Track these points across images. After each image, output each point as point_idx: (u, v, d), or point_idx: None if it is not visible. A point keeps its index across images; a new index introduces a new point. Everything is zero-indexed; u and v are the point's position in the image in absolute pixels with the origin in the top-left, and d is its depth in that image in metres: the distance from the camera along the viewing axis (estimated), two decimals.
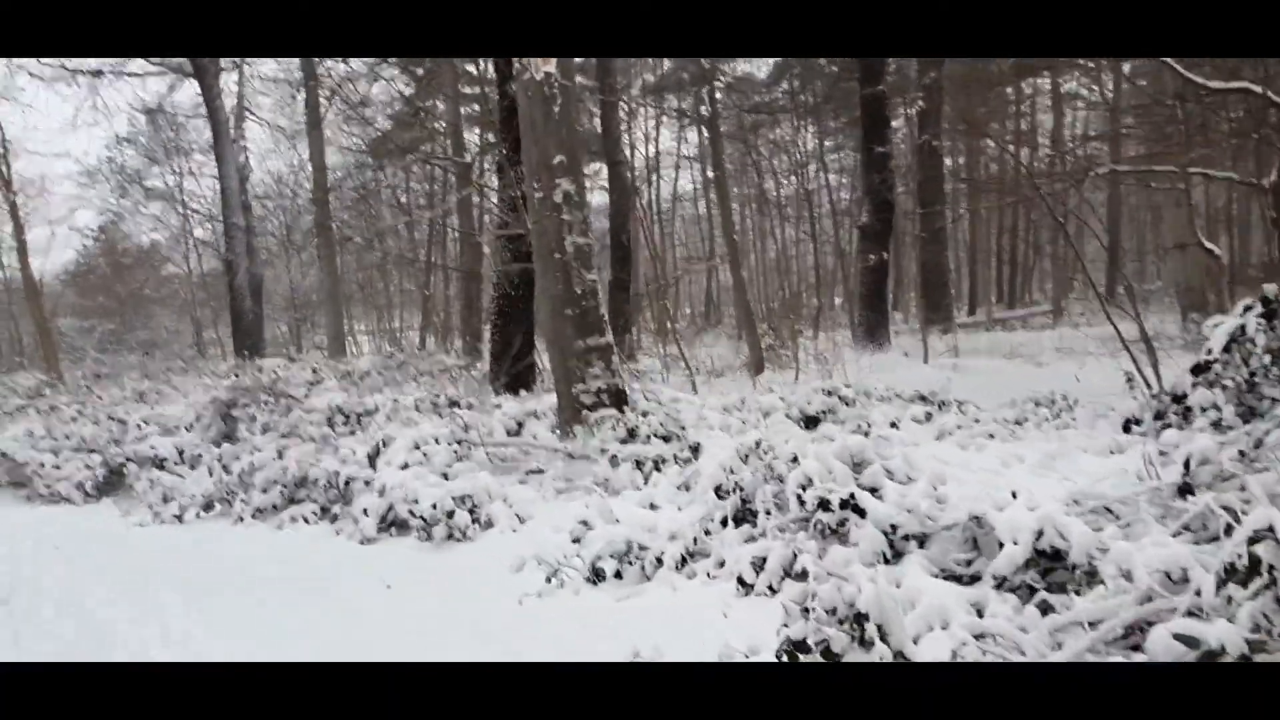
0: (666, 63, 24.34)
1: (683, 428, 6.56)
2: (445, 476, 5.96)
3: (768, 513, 3.79)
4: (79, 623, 4.42)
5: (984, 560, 3.03)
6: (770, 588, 3.39)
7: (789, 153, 27.95)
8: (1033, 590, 2.80)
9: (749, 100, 24.32)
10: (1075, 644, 2.38)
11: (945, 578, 3.08)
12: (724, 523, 4.02)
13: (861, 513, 3.30)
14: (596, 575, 4.10)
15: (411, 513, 5.33)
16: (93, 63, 19.25)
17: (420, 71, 19.33)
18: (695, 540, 4.00)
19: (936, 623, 2.76)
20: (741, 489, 4.03)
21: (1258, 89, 6.51)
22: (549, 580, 4.14)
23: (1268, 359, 4.21)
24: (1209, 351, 4.44)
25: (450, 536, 5.17)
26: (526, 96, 6.72)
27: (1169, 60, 6.52)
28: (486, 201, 20.08)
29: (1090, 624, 2.46)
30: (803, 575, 3.11)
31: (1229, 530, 2.49)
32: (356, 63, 17.42)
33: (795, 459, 3.75)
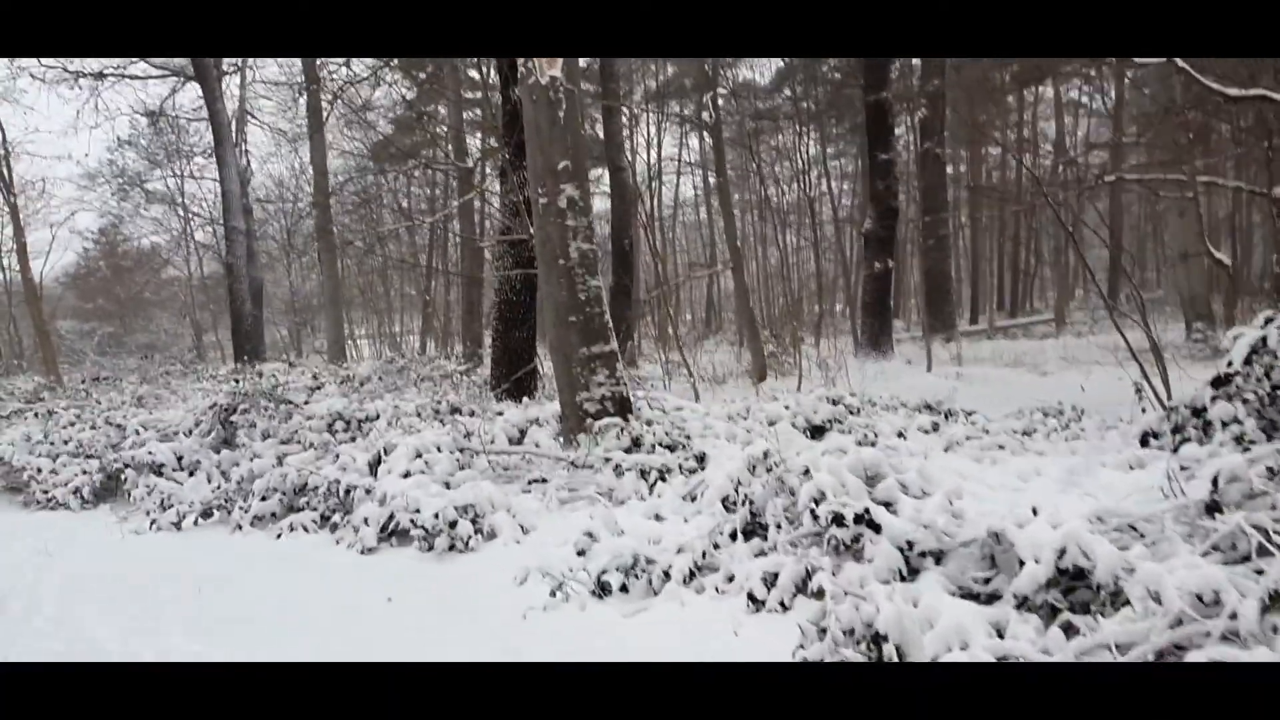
0: (669, 69, 24.37)
1: (688, 437, 6.48)
2: (447, 485, 5.88)
3: (778, 526, 3.70)
4: (72, 632, 4.33)
5: (1003, 578, 2.95)
6: (782, 604, 3.31)
7: (791, 159, 27.95)
8: (1055, 610, 2.72)
9: (751, 107, 24.31)
10: None
11: (963, 596, 2.99)
12: (733, 536, 3.93)
13: (876, 528, 3.22)
14: (602, 589, 4.02)
15: (413, 522, 5.24)
16: (94, 65, 19.22)
17: (422, 76, 19.30)
18: (704, 554, 3.92)
19: (955, 643, 2.68)
20: (751, 501, 3.95)
21: (1277, 95, 6.44)
22: (553, 594, 4.05)
23: None
24: (1229, 364, 4.36)
25: (452, 547, 5.08)
26: (531, 101, 6.65)
27: (1185, 66, 6.45)
28: (488, 207, 20.04)
29: (1118, 647, 2.38)
30: (817, 593, 3.02)
31: (1261, 551, 2.42)
32: (359, 66, 17.37)
33: (807, 471, 3.67)
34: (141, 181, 25.75)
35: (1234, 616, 2.21)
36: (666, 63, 23.85)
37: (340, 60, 17.25)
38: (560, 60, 6.55)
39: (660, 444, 6.31)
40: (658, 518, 5.05)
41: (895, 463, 3.75)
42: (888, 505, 3.41)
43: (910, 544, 3.17)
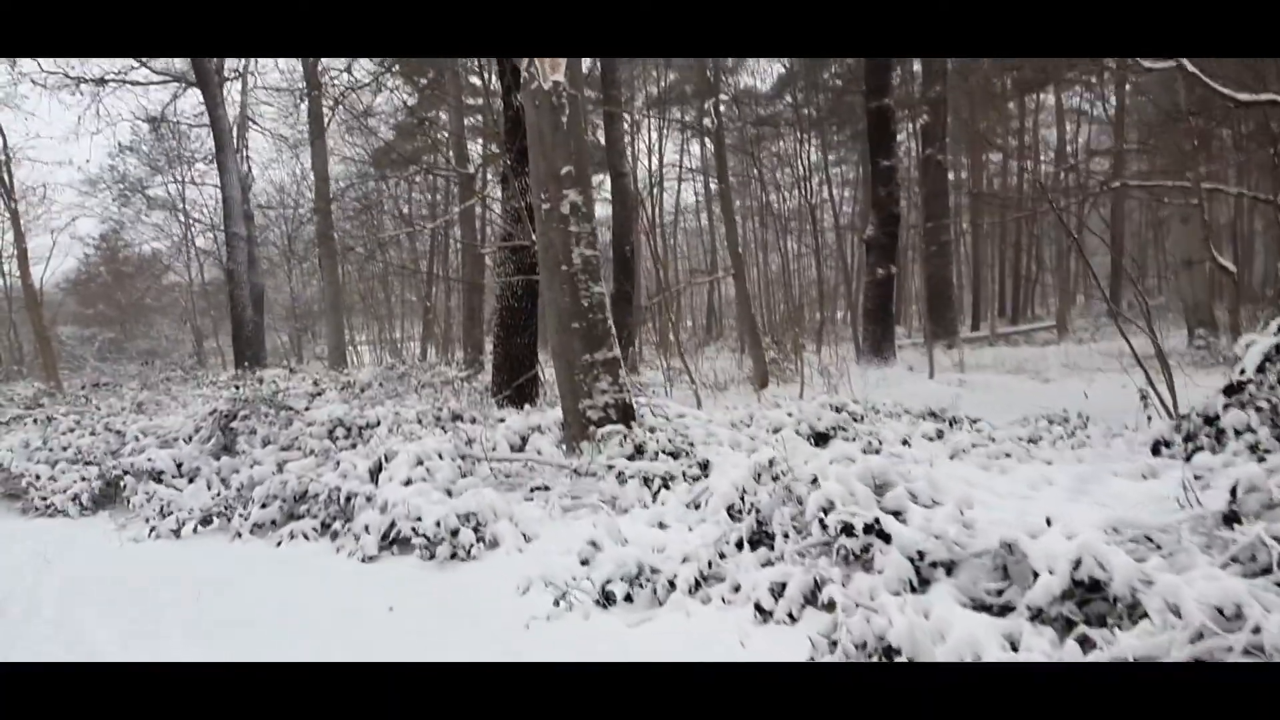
0: (670, 75, 24.39)
1: (691, 444, 6.43)
2: (449, 493, 5.82)
3: (785, 536, 3.65)
4: (70, 640, 4.29)
5: (1016, 590, 2.89)
6: (790, 615, 3.25)
7: (792, 166, 27.95)
8: (1070, 623, 2.66)
9: (752, 113, 24.33)
10: None
11: (975, 608, 2.94)
12: (739, 545, 3.88)
13: (886, 538, 3.16)
14: (606, 598, 3.96)
15: (414, 530, 5.19)
16: (96, 71, 19.23)
17: (423, 82, 19.29)
18: (709, 563, 3.86)
19: (968, 656, 2.63)
20: (758, 510, 3.89)
21: None
22: (557, 603, 4.00)
23: None
24: (1241, 371, 4.31)
25: (454, 556, 5.03)
26: (534, 106, 6.62)
27: (1194, 70, 6.41)
28: (489, 213, 20.03)
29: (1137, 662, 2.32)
30: (828, 605, 2.97)
31: None
32: (360, 72, 17.36)
33: (815, 480, 3.61)
34: (143, 187, 25.76)
35: (1257, 630, 2.16)
36: (668, 69, 23.86)
37: (341, 66, 17.23)
38: (563, 65, 6.52)
39: (663, 451, 6.25)
40: (661, 526, 5.01)
41: (904, 471, 3.69)
42: (897, 514, 3.36)
43: (921, 554, 3.12)
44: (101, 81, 19.62)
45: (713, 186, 27.98)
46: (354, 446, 7.44)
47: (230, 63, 20.57)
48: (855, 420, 7.60)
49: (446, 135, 20.71)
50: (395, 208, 24.06)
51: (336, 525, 5.88)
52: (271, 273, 27.51)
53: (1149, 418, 7.10)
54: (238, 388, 9.23)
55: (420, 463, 6.17)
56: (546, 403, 10.27)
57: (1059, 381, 12.33)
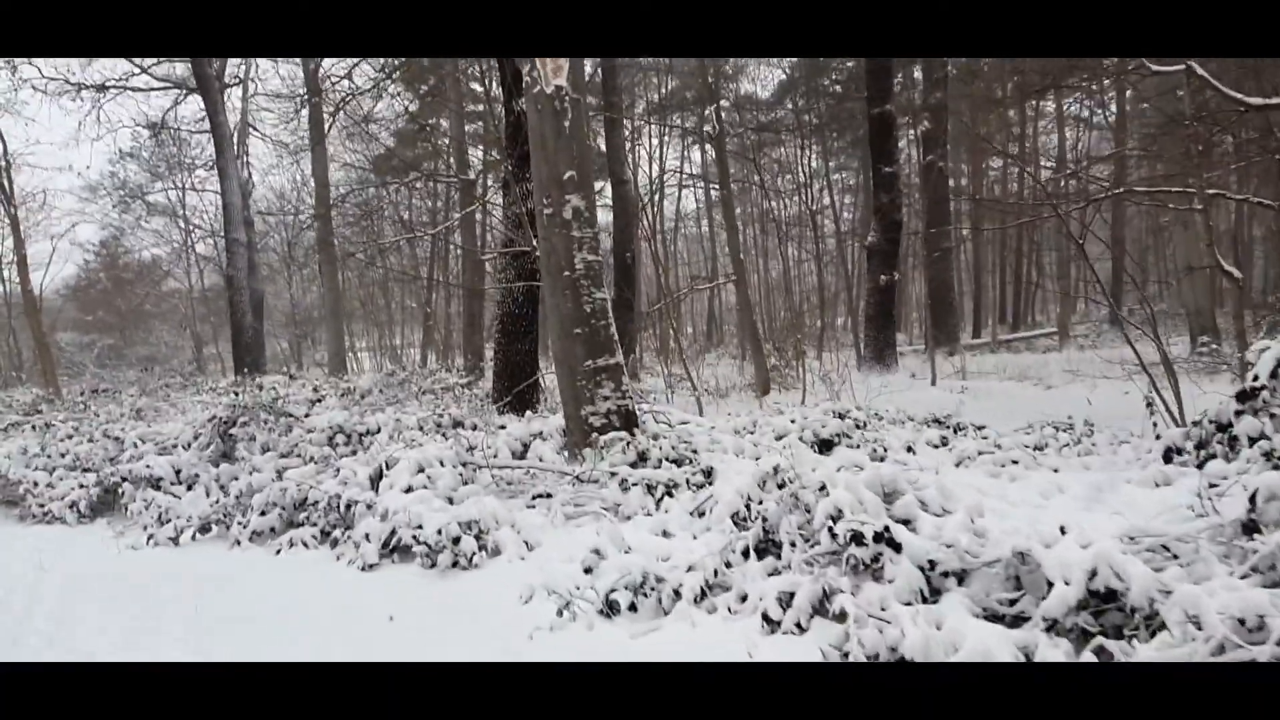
0: (671, 82, 24.40)
1: (694, 451, 6.38)
2: (450, 500, 5.77)
3: (793, 545, 3.59)
4: (66, 650, 4.24)
5: (1030, 600, 2.84)
6: (798, 625, 3.19)
7: (793, 172, 27.96)
8: (1086, 634, 2.61)
9: (754, 120, 24.34)
10: None
11: (987, 618, 2.89)
12: (745, 554, 3.82)
13: (897, 547, 3.11)
14: (610, 608, 3.90)
15: (415, 538, 5.13)
16: (97, 76, 19.26)
17: (424, 89, 19.30)
18: (715, 572, 3.80)
19: None
20: (765, 519, 3.84)
21: None
22: (560, 613, 3.94)
23: None
24: (1255, 378, 4.26)
25: (455, 564, 4.96)
26: (536, 111, 6.58)
27: (1204, 74, 6.38)
28: (490, 219, 20.01)
29: None
30: (839, 615, 2.91)
31: None
32: (361, 79, 17.36)
33: (823, 488, 3.56)
34: (143, 194, 25.79)
35: None
36: (669, 76, 23.87)
37: (342, 72, 17.24)
38: (566, 69, 6.49)
39: (667, 458, 6.21)
40: (665, 534, 4.95)
41: (913, 479, 3.64)
42: (906, 523, 3.31)
43: (932, 563, 3.06)
44: (102, 88, 19.65)
45: (714, 193, 27.98)
46: (354, 453, 7.39)
47: (231, 69, 20.60)
48: (859, 427, 7.55)
49: (447, 142, 20.70)
50: (395, 214, 24.06)
51: (337, 533, 5.82)
52: (271, 279, 27.52)
53: (1155, 424, 7.06)
54: (237, 394, 9.21)
55: (421, 470, 6.11)
56: (547, 409, 10.23)
57: (1061, 388, 12.29)
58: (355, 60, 17.08)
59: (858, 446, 6.99)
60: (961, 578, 3.05)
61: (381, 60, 17.37)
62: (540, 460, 6.69)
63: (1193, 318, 14.77)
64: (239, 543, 6.16)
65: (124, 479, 7.59)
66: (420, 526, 5.15)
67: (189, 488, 7.44)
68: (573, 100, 6.54)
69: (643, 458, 6.20)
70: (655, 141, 28.46)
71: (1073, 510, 3.43)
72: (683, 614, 3.73)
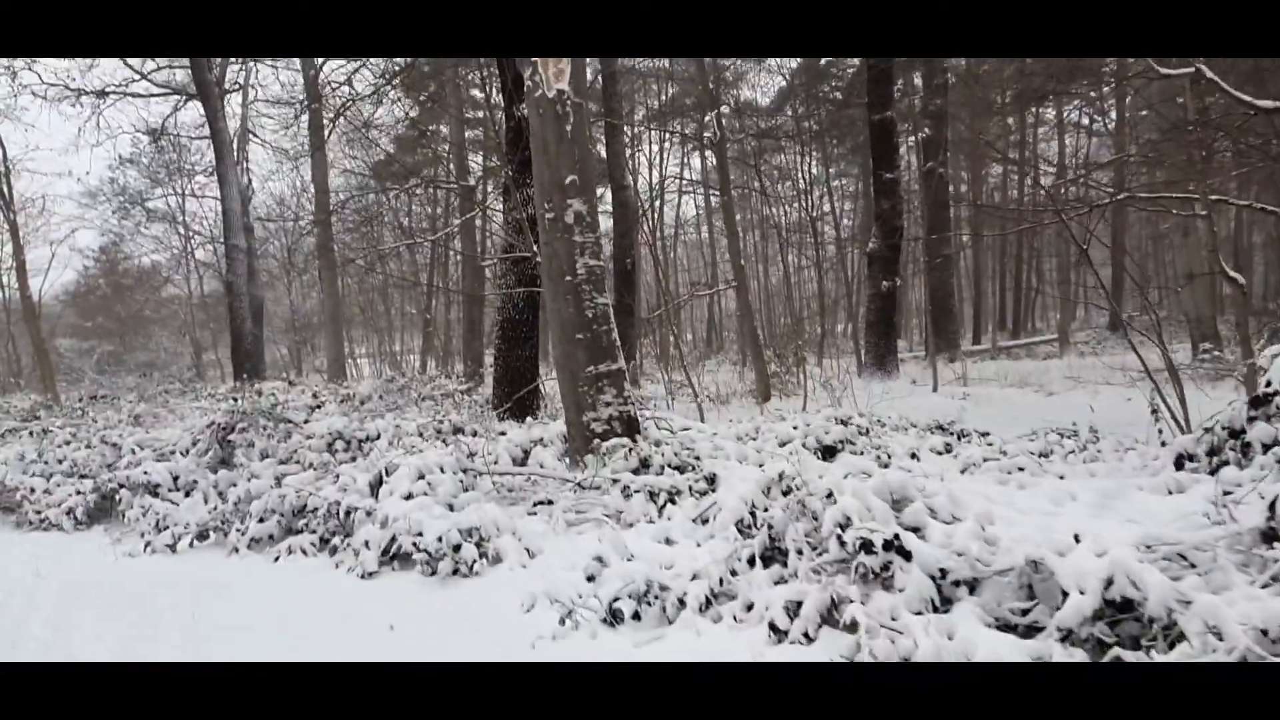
0: (671, 88, 24.41)
1: (697, 458, 6.32)
2: (451, 507, 5.71)
3: (799, 553, 3.54)
4: (63, 657, 4.19)
5: (1043, 609, 2.78)
6: (806, 635, 3.14)
7: (793, 179, 27.96)
8: (1102, 645, 2.56)
9: (754, 126, 24.34)
10: None
11: (1000, 628, 2.83)
12: (751, 562, 3.77)
13: (907, 555, 3.05)
14: (614, 616, 3.85)
15: (415, 546, 5.07)
16: (96, 83, 19.25)
17: (423, 97, 19.29)
18: (720, 580, 3.75)
19: None
20: (771, 526, 3.78)
21: None
22: (563, 621, 3.89)
23: None
24: (1268, 384, 4.21)
25: (456, 571, 4.90)
26: (538, 115, 6.54)
27: (1214, 77, 6.34)
28: (490, 225, 19.98)
29: None
30: (850, 626, 2.85)
31: None
32: (361, 84, 17.35)
33: (830, 495, 3.51)
34: (142, 199, 25.77)
35: None
36: (669, 82, 23.89)
37: (342, 78, 17.23)
38: (568, 73, 6.45)
39: (669, 465, 6.16)
40: (668, 541, 4.90)
41: (921, 486, 3.59)
42: (916, 531, 3.25)
43: (943, 572, 3.01)
44: (102, 94, 19.64)
45: (714, 199, 27.97)
46: (354, 460, 7.34)
47: (231, 75, 20.59)
48: (862, 434, 7.51)
49: (447, 148, 20.70)
50: (395, 220, 24.04)
51: (336, 540, 5.76)
52: (271, 285, 27.49)
53: (1159, 431, 7.01)
54: (236, 400, 9.14)
55: (421, 476, 6.05)
56: (548, 415, 10.18)
57: (1063, 395, 12.26)
58: (355, 66, 17.08)
59: (861, 453, 6.94)
60: (973, 586, 2.99)
61: (382, 66, 17.37)
62: (541, 467, 6.63)
63: (1194, 324, 14.74)
64: (237, 550, 6.10)
65: (121, 485, 7.53)
66: (420, 534, 5.10)
67: (187, 494, 7.39)
68: (575, 104, 6.50)
69: (645, 464, 6.15)
70: (655, 148, 28.47)
71: (1084, 518, 3.38)
72: (687, 623, 3.68)
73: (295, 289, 29.44)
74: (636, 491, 5.66)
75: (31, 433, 11.33)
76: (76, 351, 27.61)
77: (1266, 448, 3.99)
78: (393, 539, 5.26)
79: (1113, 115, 22.35)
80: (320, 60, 18.84)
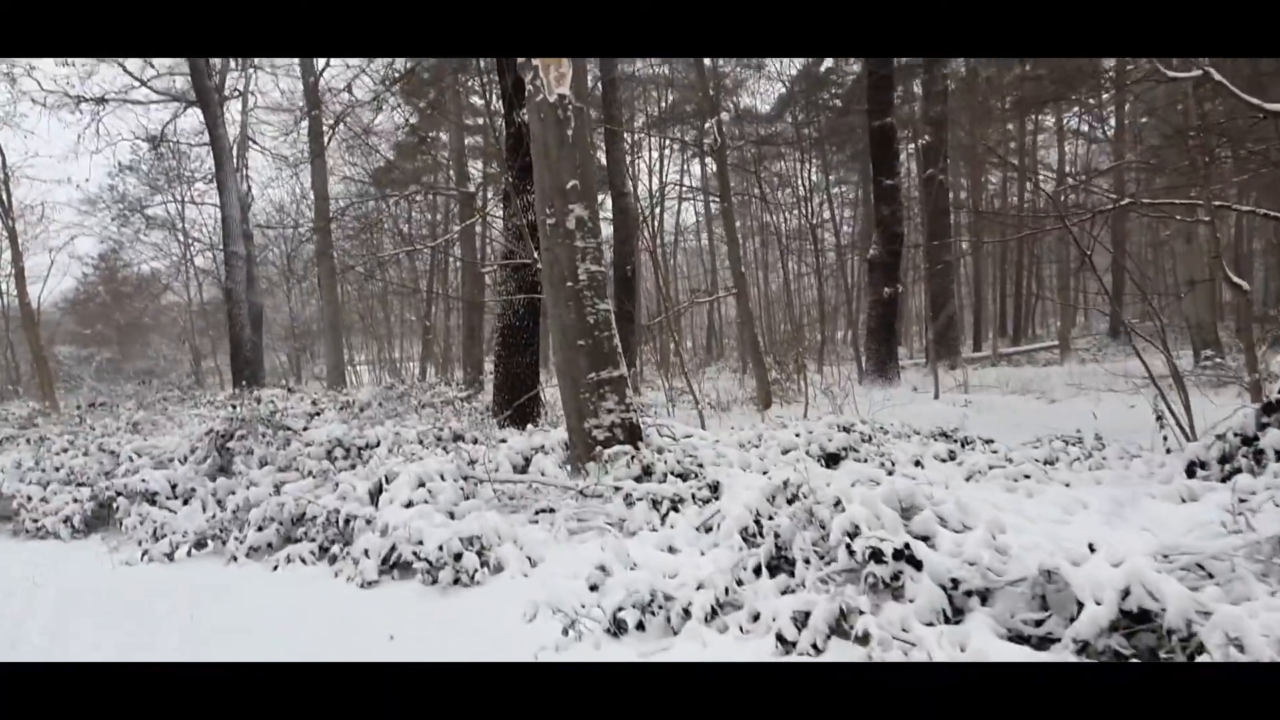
0: (671, 95, 24.41)
1: (700, 465, 6.27)
2: (451, 515, 5.66)
3: (806, 562, 3.48)
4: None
5: (1056, 620, 2.73)
6: (814, 646, 3.08)
7: (793, 186, 27.94)
8: (1119, 656, 2.50)
9: (754, 133, 24.33)
10: None
11: (1012, 639, 2.78)
12: (757, 571, 3.71)
13: (918, 565, 3.00)
14: (618, 627, 3.79)
15: (416, 555, 5.01)
16: (96, 89, 19.23)
17: (423, 104, 19.29)
18: (726, 590, 3.69)
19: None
20: (778, 535, 3.73)
21: None
22: (565, 632, 3.83)
23: None
24: None
25: (457, 581, 4.84)
26: (539, 119, 6.51)
27: (1222, 80, 6.31)
28: (490, 232, 19.96)
29: None
30: (862, 638, 2.79)
31: None
32: (361, 91, 17.34)
33: (838, 503, 3.45)
34: (142, 206, 25.70)
35: None
36: (669, 89, 23.88)
37: (342, 85, 17.21)
38: (569, 77, 6.42)
39: (672, 473, 6.11)
40: (671, 550, 4.85)
41: (930, 494, 3.53)
42: (925, 539, 3.20)
43: (955, 582, 2.95)
44: (101, 100, 19.62)
45: (713, 206, 27.96)
46: (353, 467, 7.28)
47: (230, 81, 20.58)
48: (865, 441, 7.46)
49: (446, 155, 20.68)
50: (395, 227, 24.01)
51: (335, 549, 5.70)
52: (270, 292, 27.42)
53: (1165, 438, 6.96)
54: (234, 407, 9.08)
55: (422, 484, 6.00)
56: (548, 423, 10.12)
57: (1065, 401, 12.21)
58: (355, 73, 17.07)
59: (865, 461, 6.89)
60: (985, 597, 2.94)
61: (381, 73, 17.36)
62: (543, 474, 6.58)
63: (1194, 331, 14.70)
64: (235, 558, 6.04)
65: (119, 493, 7.47)
66: (421, 542, 5.04)
67: (185, 502, 7.32)
68: (576, 109, 6.47)
69: (647, 472, 6.10)
70: (655, 155, 28.47)
71: (1096, 526, 3.33)
72: (693, 633, 3.62)
73: (295, 296, 29.38)
74: (639, 499, 5.62)
75: (29, 440, 11.26)
76: (75, 359, 27.54)
77: None
78: (393, 548, 5.20)
79: (1111, 122, 22.37)
80: (320, 66, 18.84)
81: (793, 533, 3.63)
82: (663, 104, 25.26)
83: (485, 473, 6.43)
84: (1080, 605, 2.63)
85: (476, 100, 19.48)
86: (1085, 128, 25.90)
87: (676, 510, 5.50)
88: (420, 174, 21.68)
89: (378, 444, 7.75)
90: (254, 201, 22.90)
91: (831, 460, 7.01)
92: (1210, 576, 2.62)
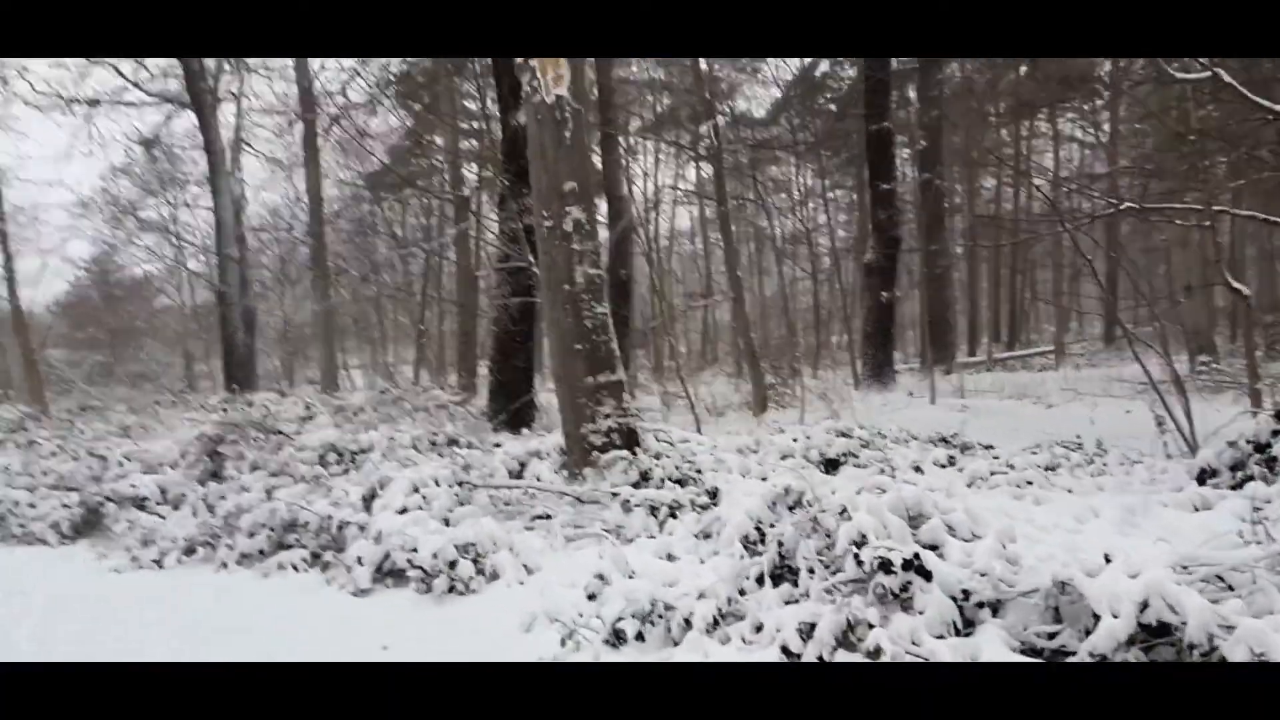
0: (666, 99, 24.37)
1: (698, 471, 6.19)
2: (446, 522, 5.56)
3: (811, 571, 3.40)
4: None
5: (1071, 633, 2.65)
6: (820, 659, 2.99)
7: (788, 190, 27.93)
8: None
9: (751, 137, 24.31)
10: None
11: (1025, 652, 2.70)
12: (760, 581, 3.63)
13: (927, 575, 2.92)
14: (617, 637, 3.70)
15: (410, 562, 4.92)
16: (89, 91, 19.07)
17: (418, 107, 19.21)
18: (728, 600, 3.61)
19: None
20: (781, 543, 3.64)
21: None
22: (564, 643, 3.74)
23: None
24: None
25: (452, 589, 4.75)
26: (537, 121, 6.43)
27: (1231, 81, 6.27)
28: (484, 235, 19.86)
29: None
30: (874, 652, 2.71)
31: None
32: (355, 94, 17.26)
33: (844, 511, 3.37)
34: (135, 209, 25.51)
35: None
36: (665, 93, 23.84)
37: (336, 89, 17.14)
38: (566, 79, 6.35)
39: (670, 478, 6.03)
40: (670, 557, 4.77)
41: (938, 502, 3.46)
42: (934, 549, 3.12)
43: (965, 593, 2.88)
44: (94, 103, 19.46)
45: (709, 211, 27.91)
46: (346, 473, 7.19)
47: (224, 84, 20.45)
48: (864, 446, 7.39)
49: (441, 159, 20.60)
50: (389, 230, 23.90)
51: (328, 556, 5.60)
52: (264, 296, 27.24)
53: (1165, 444, 6.92)
54: (226, 411, 8.98)
55: (416, 490, 5.91)
56: (542, 427, 10.04)
57: (1062, 406, 12.18)
58: (348, 76, 16.99)
59: (865, 466, 6.82)
60: (996, 608, 2.86)
61: (375, 76, 17.28)
62: (538, 480, 6.50)
63: (1190, 336, 14.70)
64: (225, 565, 5.93)
65: (108, 499, 7.35)
66: (415, 549, 4.95)
67: (175, 508, 7.21)
68: (573, 110, 6.40)
69: (645, 477, 6.03)
70: (651, 159, 28.42)
71: (1110, 536, 3.26)
72: (694, 644, 3.52)
73: (288, 299, 29.22)
74: (637, 505, 5.54)
75: (17, 444, 11.11)
76: (67, 362, 27.30)
77: None
78: (386, 555, 5.11)
79: (1106, 128, 22.40)
80: (314, 68, 18.75)
81: (797, 541, 3.55)
82: (658, 108, 25.22)
83: (480, 478, 6.34)
84: (1096, 618, 2.55)
85: (470, 105, 19.41)
86: (1079, 134, 25.98)
87: (675, 516, 5.43)
88: (415, 177, 21.58)
89: (371, 449, 7.66)
90: (248, 205, 22.77)
91: (831, 466, 6.95)
92: (1230, 589, 2.56)
